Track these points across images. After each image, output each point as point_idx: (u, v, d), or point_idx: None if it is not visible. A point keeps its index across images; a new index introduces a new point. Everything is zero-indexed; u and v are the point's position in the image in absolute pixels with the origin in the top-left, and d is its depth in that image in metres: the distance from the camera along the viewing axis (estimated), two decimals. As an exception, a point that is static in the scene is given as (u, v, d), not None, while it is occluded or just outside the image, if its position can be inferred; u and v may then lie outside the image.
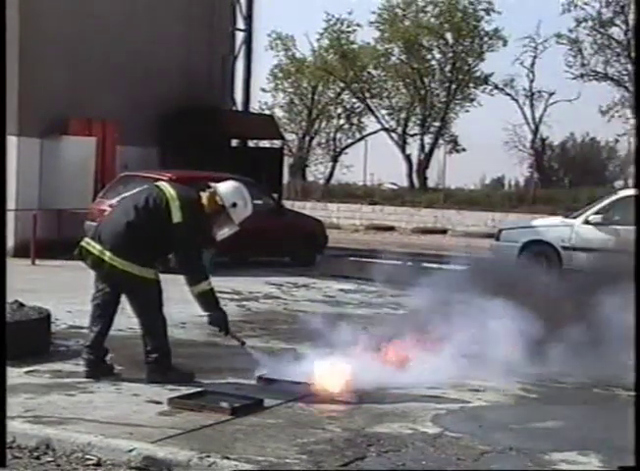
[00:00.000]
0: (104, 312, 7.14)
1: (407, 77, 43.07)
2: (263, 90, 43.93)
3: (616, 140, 44.27)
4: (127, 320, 7.74)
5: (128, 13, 18.61)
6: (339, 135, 46.51)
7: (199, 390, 6.68)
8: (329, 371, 6.80)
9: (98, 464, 5.25)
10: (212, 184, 7.22)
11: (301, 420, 6.11)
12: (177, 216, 6.90)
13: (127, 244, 6.89)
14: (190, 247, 6.99)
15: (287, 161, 33.73)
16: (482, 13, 41.87)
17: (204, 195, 7.13)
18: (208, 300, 7.00)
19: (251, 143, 24.87)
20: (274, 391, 6.75)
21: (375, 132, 44.65)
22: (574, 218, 16.57)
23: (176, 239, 6.93)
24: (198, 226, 6.99)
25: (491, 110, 62.40)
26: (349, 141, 46.14)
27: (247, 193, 7.29)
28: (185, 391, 6.62)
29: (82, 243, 7.12)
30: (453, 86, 42.80)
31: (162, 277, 7.10)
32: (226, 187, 7.19)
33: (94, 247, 7.00)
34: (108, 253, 6.91)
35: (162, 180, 9.44)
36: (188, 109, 19.71)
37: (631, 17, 36.87)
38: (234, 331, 7.40)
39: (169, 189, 7.07)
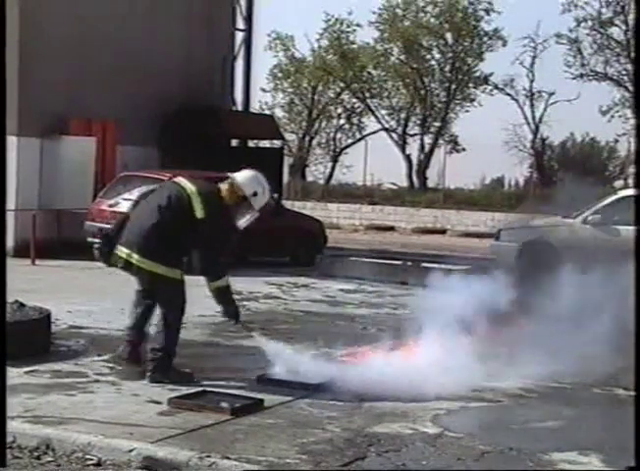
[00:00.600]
0: (146, 300, 7.28)
1: (407, 77, 43.02)
2: (263, 90, 43.96)
3: (616, 140, 44.21)
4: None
5: (128, 13, 18.58)
6: (339, 135, 46.47)
7: (199, 390, 6.68)
8: None
9: (98, 464, 5.26)
10: (230, 175, 7.27)
11: (301, 420, 6.12)
12: (200, 212, 6.95)
13: (154, 246, 6.97)
14: (213, 244, 7.05)
15: (287, 161, 33.65)
16: (482, 13, 41.91)
17: (223, 187, 7.18)
18: (224, 296, 7.12)
19: (251, 143, 24.83)
20: (276, 391, 6.76)
21: (375, 132, 44.60)
22: (574, 218, 16.55)
23: (200, 235, 6.97)
24: (222, 218, 7.04)
25: (491, 110, 62.12)
26: (349, 141, 46.08)
27: (264, 179, 7.35)
28: (185, 391, 6.62)
29: (116, 252, 7.17)
30: (453, 86, 42.77)
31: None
32: (244, 177, 7.26)
33: (122, 251, 7.10)
34: (135, 256, 7.00)
35: (162, 180, 9.42)
36: (188, 109, 19.68)
37: (631, 17, 36.85)
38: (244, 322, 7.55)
39: (189, 185, 7.12)
